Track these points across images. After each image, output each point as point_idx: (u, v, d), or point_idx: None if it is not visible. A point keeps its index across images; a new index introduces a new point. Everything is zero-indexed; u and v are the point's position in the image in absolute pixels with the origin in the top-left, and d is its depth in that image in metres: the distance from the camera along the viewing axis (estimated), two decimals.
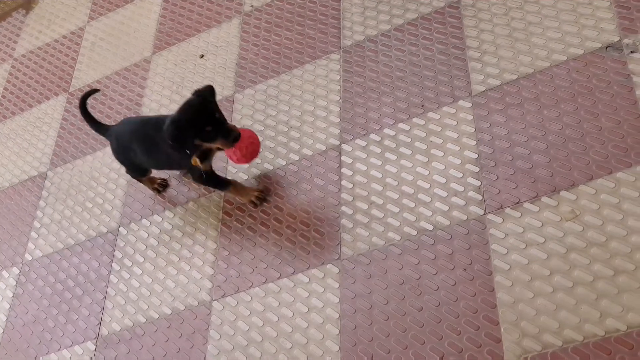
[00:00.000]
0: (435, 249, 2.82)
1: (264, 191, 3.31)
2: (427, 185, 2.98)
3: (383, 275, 2.86)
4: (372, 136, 3.25)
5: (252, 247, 3.19)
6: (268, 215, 3.25)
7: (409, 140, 3.14)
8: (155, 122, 3.16)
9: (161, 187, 3.60)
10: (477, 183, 2.88)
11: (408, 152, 3.11)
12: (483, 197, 2.84)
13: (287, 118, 3.52)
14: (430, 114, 3.17)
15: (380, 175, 3.11)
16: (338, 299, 2.89)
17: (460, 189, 2.91)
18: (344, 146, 3.29)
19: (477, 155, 2.96)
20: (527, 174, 2.81)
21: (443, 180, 2.96)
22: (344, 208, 3.11)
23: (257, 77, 3.76)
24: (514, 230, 2.71)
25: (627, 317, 2.36)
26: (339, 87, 3.47)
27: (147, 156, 3.30)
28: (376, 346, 2.72)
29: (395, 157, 3.13)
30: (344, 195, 3.14)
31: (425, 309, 2.71)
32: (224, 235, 3.29)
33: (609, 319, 2.38)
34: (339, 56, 3.58)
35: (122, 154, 3.43)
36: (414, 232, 2.89)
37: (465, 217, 2.83)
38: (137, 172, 3.53)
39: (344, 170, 3.22)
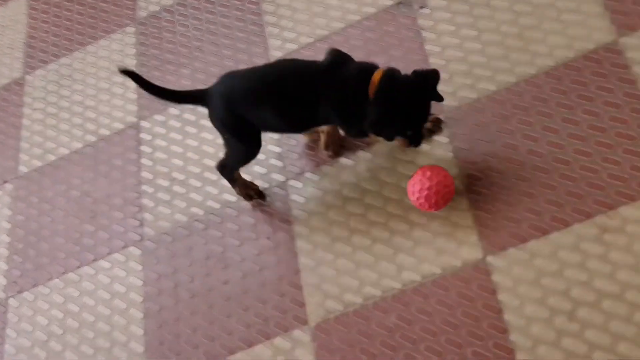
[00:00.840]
0: (238, 220, 2.92)
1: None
2: None
3: (187, 253, 2.93)
4: (172, 110, 3.31)
5: (49, 237, 3.19)
6: (65, 201, 3.25)
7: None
8: (302, 73, 2.62)
9: (257, 194, 2.92)
10: (278, 149, 3.00)
11: (209, 123, 3.17)
12: (284, 164, 2.96)
13: (82, 98, 3.52)
14: None
15: (181, 150, 3.18)
16: (142, 282, 2.94)
17: (262, 157, 3.01)
18: (143, 123, 3.33)
19: None
20: None
21: None
22: (144, 187, 3.16)
23: (49, 57, 3.73)
24: (315, 195, 2.84)
25: (421, 267, 2.54)
26: (135, 61, 3.51)
27: (288, 117, 2.64)
28: (182, 325, 2.79)
29: (197, 130, 3.20)
30: (145, 174, 3.19)
31: (230, 282, 2.81)
32: (18, 227, 3.27)
33: (405, 272, 2.56)
34: (135, 29, 3.62)
35: (233, 119, 2.67)
36: (218, 205, 2.98)
37: (267, 185, 2.94)
38: (252, 145, 2.75)
39: (143, 147, 3.26)
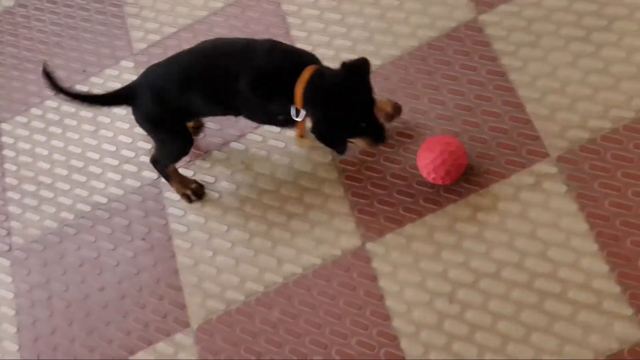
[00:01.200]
0: (111, 222, 2.80)
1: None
2: (97, 156, 2.94)
3: (60, 260, 2.80)
4: (34, 111, 3.14)
5: None
6: None
7: (73, 110, 3.07)
8: (228, 51, 2.44)
9: (195, 195, 2.74)
10: (148, 146, 2.89)
11: (74, 122, 3.05)
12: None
13: None
14: (94, 79, 3.12)
15: (46, 152, 3.03)
16: (13, 294, 2.79)
17: (131, 154, 2.90)
18: (4, 125, 3.16)
19: None
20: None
21: (113, 148, 2.93)
22: (10, 194, 2.99)
23: None
24: None
25: (301, 259, 2.49)
26: None
27: (217, 103, 2.48)
28: (59, 337, 2.66)
29: (61, 131, 3.05)
30: (9, 180, 3.02)
31: (107, 288, 2.69)
32: None
33: (286, 264, 2.51)
34: None
35: (163, 112, 2.50)
36: (88, 208, 2.85)
37: (139, 184, 2.83)
38: (182, 140, 2.61)
39: (5, 152, 3.09)
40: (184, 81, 2.44)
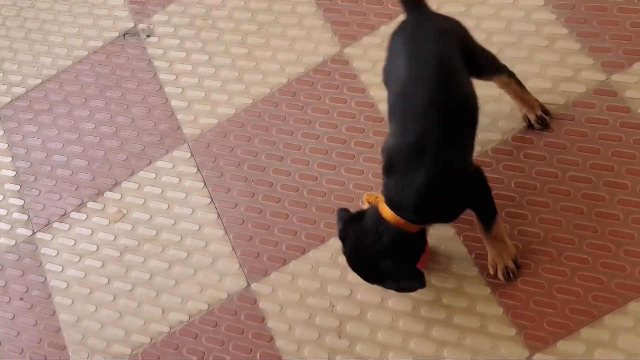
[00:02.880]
0: None
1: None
2: None
3: None
4: None
5: None
6: None
7: None
8: None
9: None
10: (20, 202, 2.70)
11: None
12: (29, 216, 2.68)
13: None
14: None
15: None
16: None
17: (3, 212, 2.71)
18: None
19: (14, 172, 2.77)
20: (69, 182, 2.69)
21: None
22: None
23: None
24: (66, 244, 2.58)
25: (187, 306, 2.37)
26: None
27: None
28: None
29: None
30: None
31: None
32: None
33: (172, 313, 2.37)
34: None
35: None
36: None
37: (13, 242, 2.64)
38: None
39: None
40: None
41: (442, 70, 1.87)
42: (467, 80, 1.95)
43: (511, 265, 2.09)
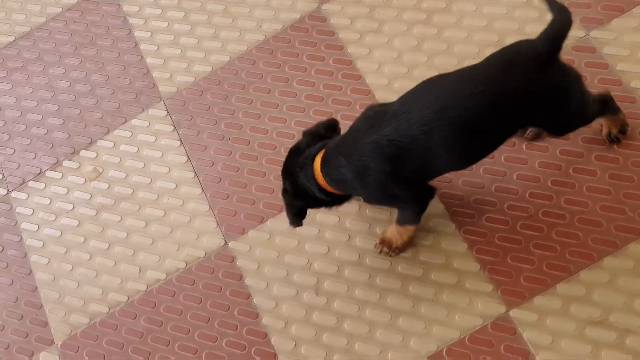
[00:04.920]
0: None
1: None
2: None
3: None
4: None
5: None
6: None
7: None
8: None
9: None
10: None
11: None
12: (3, 175, 2.61)
13: None
14: None
15: None
16: None
17: None
18: None
19: None
20: (44, 140, 2.62)
21: None
22: None
23: None
24: (42, 203, 2.52)
25: (164, 265, 2.32)
26: None
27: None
28: None
29: None
30: None
31: None
32: None
33: (149, 271, 2.33)
34: None
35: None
36: None
37: None
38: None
39: None
40: None
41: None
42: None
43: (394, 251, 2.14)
